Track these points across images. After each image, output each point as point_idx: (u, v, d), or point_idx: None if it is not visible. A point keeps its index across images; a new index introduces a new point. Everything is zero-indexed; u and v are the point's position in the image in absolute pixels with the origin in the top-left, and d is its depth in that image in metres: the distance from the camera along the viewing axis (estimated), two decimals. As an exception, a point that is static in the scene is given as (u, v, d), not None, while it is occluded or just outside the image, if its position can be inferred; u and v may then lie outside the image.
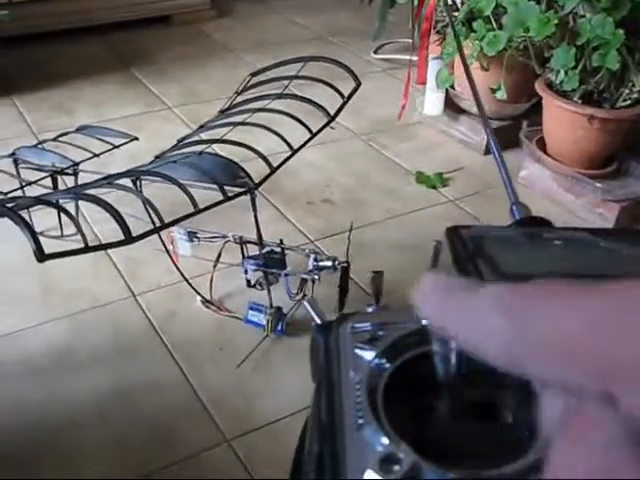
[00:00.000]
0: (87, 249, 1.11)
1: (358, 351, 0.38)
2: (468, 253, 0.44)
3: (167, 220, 1.26)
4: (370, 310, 0.42)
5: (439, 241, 0.45)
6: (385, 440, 0.33)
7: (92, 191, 1.30)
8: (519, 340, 0.23)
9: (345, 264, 1.48)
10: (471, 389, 0.35)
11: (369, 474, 0.32)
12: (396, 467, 0.32)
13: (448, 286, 0.27)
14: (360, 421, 0.34)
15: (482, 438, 0.35)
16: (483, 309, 0.25)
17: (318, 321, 0.43)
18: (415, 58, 2.87)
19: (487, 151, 2.35)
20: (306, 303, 0.44)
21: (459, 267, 0.43)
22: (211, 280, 1.62)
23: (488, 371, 0.30)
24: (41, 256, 1.03)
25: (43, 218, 1.77)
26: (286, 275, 1.51)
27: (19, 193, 1.69)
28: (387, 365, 0.37)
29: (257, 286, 1.56)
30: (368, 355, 0.37)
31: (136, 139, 1.85)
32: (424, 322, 0.30)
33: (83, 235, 1.12)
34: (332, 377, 0.38)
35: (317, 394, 0.40)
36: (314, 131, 1.59)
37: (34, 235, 1.02)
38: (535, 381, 0.25)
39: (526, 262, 0.44)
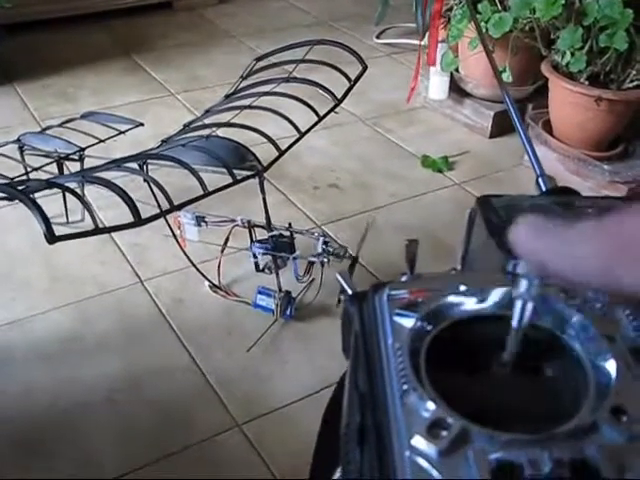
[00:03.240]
0: (98, 231, 1.10)
1: (397, 318, 0.37)
2: (502, 221, 0.43)
3: (176, 203, 1.25)
4: (404, 279, 0.41)
5: (474, 208, 0.45)
6: (431, 405, 0.32)
7: (100, 175, 1.29)
8: (618, 256, 0.26)
9: (354, 258, 1.47)
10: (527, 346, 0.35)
11: (417, 440, 0.31)
12: (444, 432, 0.31)
13: (542, 225, 0.30)
14: (404, 387, 0.33)
15: (526, 402, 0.35)
16: (579, 237, 0.28)
17: (350, 292, 0.42)
18: (417, 42, 2.86)
19: (492, 134, 2.35)
20: (338, 275, 0.43)
21: (493, 235, 0.43)
22: (219, 265, 1.61)
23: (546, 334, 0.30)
24: (52, 238, 1.02)
25: (48, 205, 1.74)
26: (295, 259, 1.50)
27: (25, 179, 1.68)
28: (428, 329, 0.36)
29: (266, 270, 1.56)
30: (407, 322, 0.37)
31: (141, 125, 1.83)
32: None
33: (93, 217, 1.11)
34: (369, 346, 0.37)
35: (353, 365, 0.40)
36: (321, 115, 1.58)
37: (45, 217, 1.01)
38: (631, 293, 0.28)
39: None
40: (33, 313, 1.59)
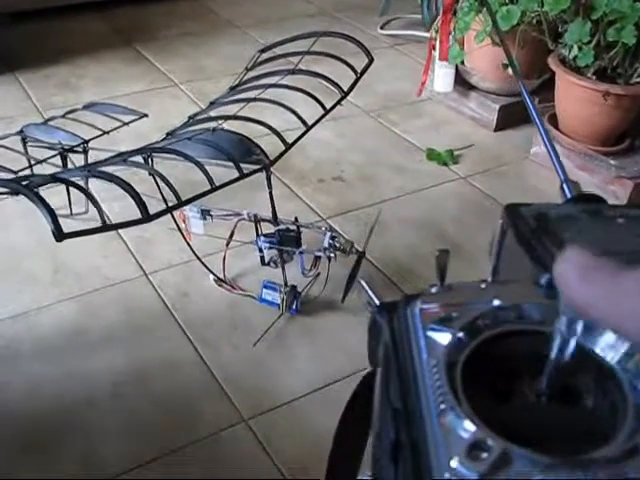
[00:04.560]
0: (105, 227, 1.09)
1: (431, 333, 0.36)
2: (532, 231, 0.42)
3: (182, 198, 1.24)
4: (434, 290, 0.40)
5: (505, 220, 0.44)
6: (470, 426, 0.31)
7: (105, 169, 1.28)
8: None
9: (361, 253, 1.46)
10: (565, 373, 0.34)
11: (456, 462, 0.30)
12: (484, 454, 0.30)
13: (592, 265, 0.28)
14: (442, 406, 0.32)
15: (566, 422, 0.34)
16: (629, 292, 0.26)
17: (377, 301, 0.42)
18: (421, 34, 2.84)
19: (497, 128, 2.33)
20: (363, 282, 0.42)
21: (525, 246, 0.42)
22: (224, 258, 1.60)
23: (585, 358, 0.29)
24: (60, 235, 1.02)
25: (51, 197, 1.72)
26: (301, 253, 1.50)
27: (28, 172, 1.67)
28: (464, 346, 0.36)
29: (271, 264, 1.55)
30: (442, 337, 0.36)
31: (145, 116, 1.82)
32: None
33: (101, 214, 1.10)
34: (402, 360, 0.36)
35: (384, 377, 0.39)
36: (327, 107, 1.57)
37: (53, 215, 1.01)
38: None
39: (593, 240, 0.42)
40: (38, 306, 1.58)
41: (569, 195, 0.52)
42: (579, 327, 0.32)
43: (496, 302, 0.37)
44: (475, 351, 0.35)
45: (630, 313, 0.26)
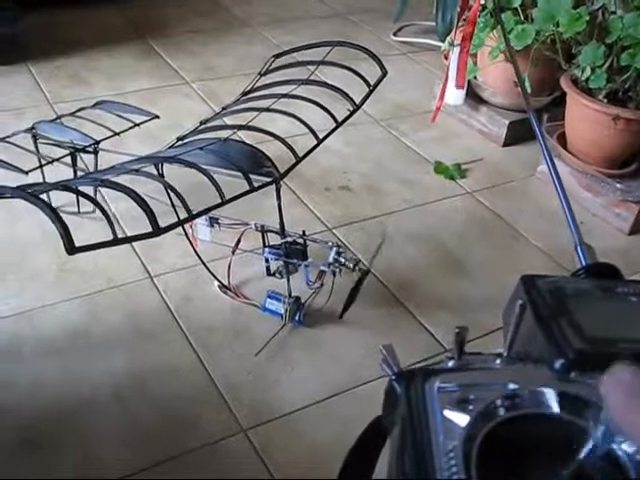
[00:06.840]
0: (116, 241, 1.10)
1: (448, 413, 0.37)
2: (550, 311, 0.43)
3: (192, 207, 1.25)
4: (451, 364, 0.42)
5: (524, 301, 0.44)
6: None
7: (116, 178, 1.29)
8: None
9: (365, 270, 1.47)
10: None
11: None
12: None
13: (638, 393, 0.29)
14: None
15: None
16: None
17: (394, 369, 0.43)
18: (434, 42, 2.84)
19: (506, 143, 2.34)
20: (382, 349, 0.44)
21: (541, 325, 0.43)
22: (229, 266, 1.61)
23: None
24: (71, 249, 1.03)
25: (59, 193, 1.74)
26: (306, 266, 1.51)
27: (39, 172, 1.68)
28: (479, 430, 0.37)
29: (277, 275, 1.56)
30: (458, 418, 0.37)
31: (156, 117, 1.83)
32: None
33: (112, 226, 1.11)
34: (419, 438, 0.37)
35: (399, 449, 0.40)
36: (339, 119, 1.58)
37: (65, 228, 1.01)
38: None
39: (608, 324, 0.43)
40: (42, 304, 1.59)
41: (583, 261, 0.53)
42: (614, 439, 0.33)
43: (511, 386, 0.38)
44: (490, 435, 0.36)
45: None
